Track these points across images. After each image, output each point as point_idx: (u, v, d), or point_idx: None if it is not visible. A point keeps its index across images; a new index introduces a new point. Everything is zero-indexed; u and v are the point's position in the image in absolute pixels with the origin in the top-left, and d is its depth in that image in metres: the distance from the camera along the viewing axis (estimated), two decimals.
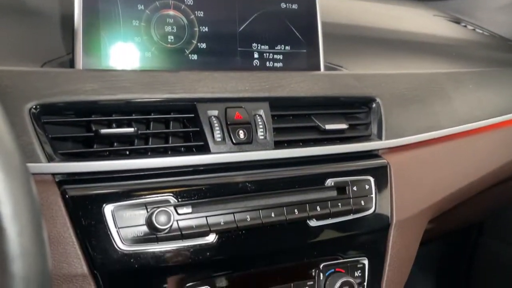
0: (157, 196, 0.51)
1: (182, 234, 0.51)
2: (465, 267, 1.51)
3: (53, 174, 0.48)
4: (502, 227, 1.42)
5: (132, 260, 0.49)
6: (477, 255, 1.48)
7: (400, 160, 0.68)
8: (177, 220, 0.51)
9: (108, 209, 0.49)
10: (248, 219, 0.55)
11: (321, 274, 0.59)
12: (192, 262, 0.52)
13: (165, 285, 0.52)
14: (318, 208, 0.59)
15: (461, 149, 0.77)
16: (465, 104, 0.80)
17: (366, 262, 0.63)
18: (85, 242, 0.48)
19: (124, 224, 0.49)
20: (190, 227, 0.52)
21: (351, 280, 0.59)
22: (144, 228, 0.50)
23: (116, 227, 0.49)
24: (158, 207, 0.50)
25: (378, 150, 0.67)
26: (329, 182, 0.61)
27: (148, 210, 0.50)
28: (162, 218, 0.50)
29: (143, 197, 0.51)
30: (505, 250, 1.41)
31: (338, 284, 0.58)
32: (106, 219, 0.48)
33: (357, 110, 0.67)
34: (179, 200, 0.52)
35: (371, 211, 0.63)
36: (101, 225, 0.48)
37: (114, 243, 0.49)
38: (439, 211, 0.76)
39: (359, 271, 0.62)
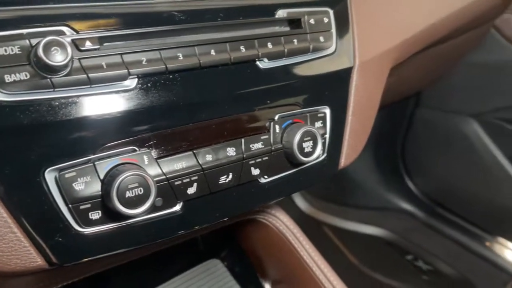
0: (46, 27, 0.36)
1: (89, 77, 0.37)
2: (402, 137, 1.53)
3: None
4: (436, 97, 1.41)
5: (19, 115, 0.34)
6: (413, 124, 1.49)
7: None
8: (79, 58, 0.36)
9: None
10: (180, 58, 0.41)
11: (277, 127, 0.48)
12: (108, 117, 0.38)
13: (76, 148, 0.37)
14: (269, 44, 0.46)
15: None
16: None
17: (327, 111, 0.52)
18: None
19: None
20: (99, 67, 0.37)
21: (313, 129, 0.48)
22: (29, 69, 0.34)
23: None
24: (46, 37, 0.34)
25: None
26: (281, 13, 0.48)
27: (32, 42, 0.34)
28: (55, 53, 0.34)
29: (24, 27, 0.35)
30: (438, 117, 1.42)
31: (298, 136, 0.47)
32: None
33: None
34: (80, 32, 0.37)
35: (331, 49, 0.52)
36: None
37: None
38: (400, 57, 0.67)
39: (320, 121, 0.51)
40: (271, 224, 0.68)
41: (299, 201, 1.57)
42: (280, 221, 0.67)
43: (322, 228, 1.57)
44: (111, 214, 0.38)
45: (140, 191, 0.38)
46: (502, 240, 1.37)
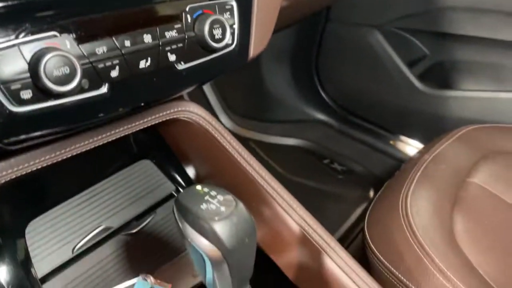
0: None
1: None
2: (316, 51, 1.63)
3: None
4: (343, 11, 1.51)
5: None
6: (325, 39, 1.59)
7: None
8: None
9: None
10: None
11: (189, 16, 0.53)
12: (26, 3, 0.41)
13: None
14: None
15: None
16: None
17: (234, 3, 0.58)
18: None
19: None
20: None
21: (222, 18, 0.54)
22: None
23: None
24: None
25: None
26: None
27: None
28: None
29: None
30: (346, 30, 1.52)
31: (208, 23, 0.53)
32: None
33: None
34: None
35: None
36: None
37: None
38: None
39: (228, 12, 0.57)
40: (195, 122, 0.74)
41: (225, 120, 1.65)
42: (203, 118, 0.74)
43: (248, 144, 1.67)
44: (42, 94, 0.43)
45: (67, 70, 0.42)
46: (403, 137, 1.56)
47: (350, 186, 1.50)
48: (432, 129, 1.32)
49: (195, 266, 0.53)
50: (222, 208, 0.49)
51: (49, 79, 0.41)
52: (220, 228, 0.48)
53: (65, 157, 0.63)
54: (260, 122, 1.69)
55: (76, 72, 0.43)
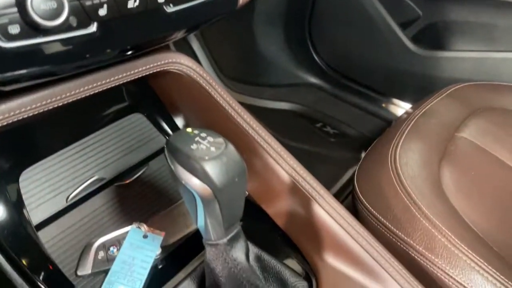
0: None
1: None
2: (308, 15, 1.61)
3: None
4: None
5: None
6: (317, 2, 1.57)
7: None
8: None
9: None
10: None
11: None
12: None
13: None
14: None
15: None
16: None
17: None
18: None
19: None
20: None
21: None
22: None
23: None
24: None
25: None
26: None
27: None
28: None
29: None
30: None
31: None
32: None
33: None
34: None
35: None
36: None
37: None
38: None
39: None
40: (186, 74, 0.74)
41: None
42: (194, 70, 0.74)
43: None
44: (30, 29, 0.42)
45: (54, 4, 0.42)
46: (395, 100, 1.57)
47: (342, 148, 1.52)
48: (424, 91, 1.32)
49: (187, 206, 0.54)
50: (212, 148, 0.50)
51: (36, 13, 0.41)
52: (210, 167, 0.48)
53: (56, 105, 0.63)
54: (252, 86, 1.69)
55: (63, 7, 0.43)
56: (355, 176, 0.86)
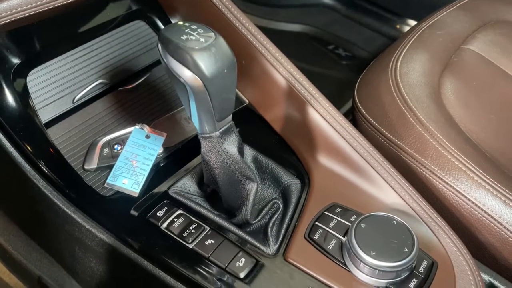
0: None
1: None
2: None
3: None
4: None
5: None
6: None
7: None
8: None
9: None
10: None
11: None
12: None
13: None
14: None
15: None
16: None
17: None
18: None
19: None
20: None
21: None
22: None
23: None
24: None
25: None
26: None
27: None
28: None
29: None
30: None
31: None
32: None
33: None
34: None
35: None
36: None
37: None
38: None
39: None
40: None
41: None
42: None
43: None
44: None
45: None
46: (409, 20, 1.52)
47: (354, 70, 1.51)
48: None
49: (181, 100, 0.56)
50: (202, 39, 0.51)
51: None
52: (200, 57, 0.50)
53: (56, 5, 0.64)
54: (264, 6, 1.66)
55: None
56: (356, 86, 0.86)
